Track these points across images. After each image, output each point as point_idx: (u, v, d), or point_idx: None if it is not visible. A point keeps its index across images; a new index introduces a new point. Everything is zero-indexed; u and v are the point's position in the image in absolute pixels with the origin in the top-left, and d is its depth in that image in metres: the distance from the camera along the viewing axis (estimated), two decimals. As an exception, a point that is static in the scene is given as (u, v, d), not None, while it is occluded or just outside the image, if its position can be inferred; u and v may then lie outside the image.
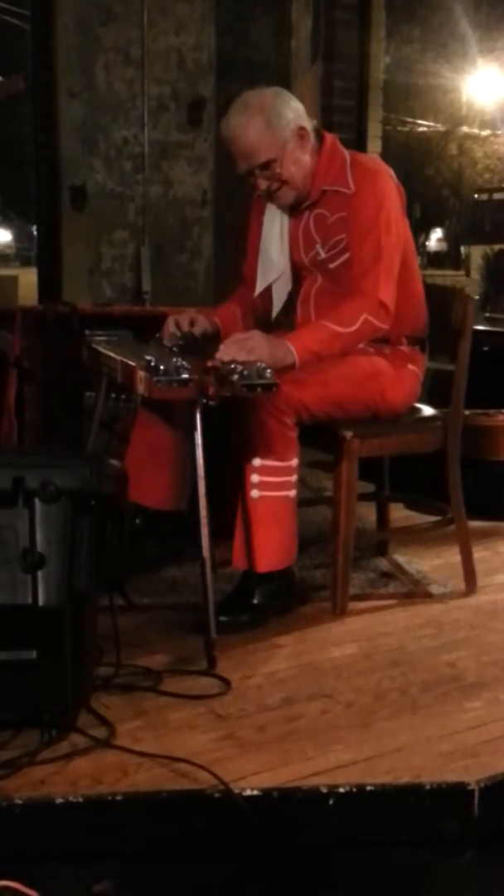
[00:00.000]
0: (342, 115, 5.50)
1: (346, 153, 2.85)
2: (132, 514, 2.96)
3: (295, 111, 2.77)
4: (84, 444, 3.20)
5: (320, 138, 2.84)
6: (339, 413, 2.80)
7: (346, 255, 2.81)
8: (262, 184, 2.80)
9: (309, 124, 2.81)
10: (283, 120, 2.73)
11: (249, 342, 2.60)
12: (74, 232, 5.53)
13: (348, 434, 2.80)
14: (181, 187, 5.68)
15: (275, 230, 2.93)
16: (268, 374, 2.43)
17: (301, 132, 2.77)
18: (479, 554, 3.15)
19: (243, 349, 2.57)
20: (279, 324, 2.99)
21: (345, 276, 2.81)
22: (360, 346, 2.81)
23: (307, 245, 2.89)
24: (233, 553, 2.75)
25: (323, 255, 2.86)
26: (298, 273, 2.96)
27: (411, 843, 1.96)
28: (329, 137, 2.86)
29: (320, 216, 2.85)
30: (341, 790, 1.93)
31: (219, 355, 2.56)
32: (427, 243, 29.77)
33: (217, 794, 1.91)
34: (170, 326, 2.93)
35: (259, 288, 2.99)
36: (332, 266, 2.85)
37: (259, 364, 2.46)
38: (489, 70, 23.50)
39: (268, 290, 2.99)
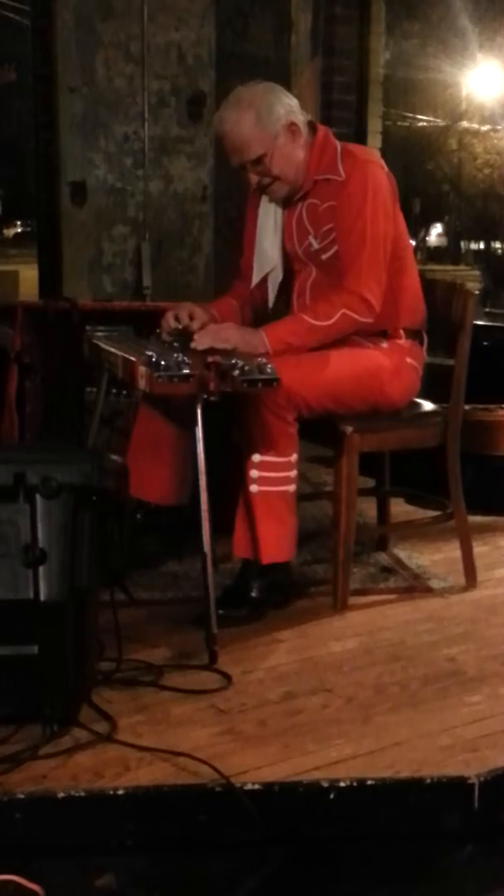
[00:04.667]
0: (342, 111, 5.49)
1: (338, 143, 2.85)
2: (133, 509, 2.96)
3: (286, 106, 2.77)
4: (85, 440, 3.20)
5: (314, 131, 2.84)
6: (339, 408, 2.80)
7: (337, 247, 2.81)
8: (254, 178, 2.81)
9: (301, 119, 2.80)
10: (273, 115, 2.74)
11: (223, 332, 2.68)
12: (75, 227, 5.51)
13: (349, 429, 2.80)
14: (181, 182, 5.66)
15: (269, 222, 2.93)
16: (268, 370, 2.43)
17: (292, 128, 2.77)
18: (479, 548, 3.15)
19: (217, 338, 2.65)
20: (277, 313, 3.00)
21: (336, 268, 2.82)
22: (357, 339, 2.83)
23: (300, 236, 2.89)
24: (233, 542, 2.77)
25: (316, 245, 2.86)
26: (293, 265, 2.97)
27: (411, 836, 1.96)
28: (322, 129, 2.85)
29: (312, 205, 2.85)
30: (342, 784, 1.94)
31: (193, 345, 2.63)
32: (427, 238, 29.72)
33: (218, 789, 1.92)
34: (169, 320, 2.93)
35: (255, 279, 2.99)
36: (324, 257, 2.86)
37: (260, 360, 2.48)
38: (489, 65, 23.46)
39: (264, 281, 2.99)
